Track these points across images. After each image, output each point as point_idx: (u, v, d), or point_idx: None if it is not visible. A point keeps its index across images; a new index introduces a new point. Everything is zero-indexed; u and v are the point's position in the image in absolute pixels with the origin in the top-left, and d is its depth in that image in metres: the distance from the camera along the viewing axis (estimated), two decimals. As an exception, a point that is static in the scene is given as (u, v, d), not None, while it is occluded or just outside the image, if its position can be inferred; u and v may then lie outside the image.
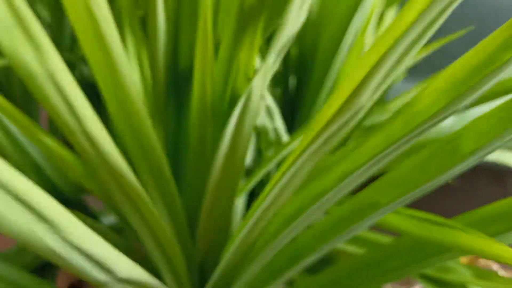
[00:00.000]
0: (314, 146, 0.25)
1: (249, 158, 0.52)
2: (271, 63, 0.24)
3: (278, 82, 0.63)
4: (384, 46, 0.20)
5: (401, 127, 0.25)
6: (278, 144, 0.43)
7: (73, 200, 0.41)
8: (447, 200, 1.05)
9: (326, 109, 0.23)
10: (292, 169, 0.26)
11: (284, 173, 0.27)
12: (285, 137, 0.43)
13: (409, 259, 0.35)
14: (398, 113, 0.26)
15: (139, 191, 0.27)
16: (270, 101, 0.40)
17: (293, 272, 0.36)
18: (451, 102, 0.23)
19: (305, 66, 0.56)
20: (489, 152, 0.28)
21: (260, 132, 0.43)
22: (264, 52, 0.38)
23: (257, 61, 0.37)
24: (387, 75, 0.21)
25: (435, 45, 0.41)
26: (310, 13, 0.55)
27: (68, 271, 0.20)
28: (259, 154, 0.55)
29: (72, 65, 0.53)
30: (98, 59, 0.22)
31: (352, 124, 0.24)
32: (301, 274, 0.44)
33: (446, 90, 0.23)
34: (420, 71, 0.53)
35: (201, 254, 0.35)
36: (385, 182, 0.31)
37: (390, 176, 0.30)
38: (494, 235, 0.34)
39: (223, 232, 0.34)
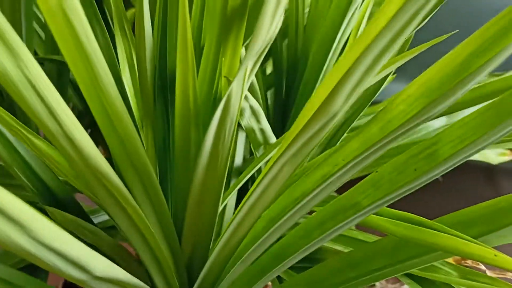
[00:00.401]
0: (291, 151, 0.25)
1: (239, 158, 0.53)
2: (250, 66, 0.25)
3: (270, 84, 0.64)
4: (355, 54, 0.20)
5: (378, 131, 0.26)
6: (267, 144, 0.43)
7: (64, 200, 0.41)
8: (438, 199, 1.05)
9: (303, 115, 0.24)
10: (272, 172, 0.27)
11: (264, 176, 0.27)
12: (273, 137, 0.43)
13: (392, 259, 0.36)
14: (375, 118, 0.26)
15: (124, 192, 0.27)
16: (254, 102, 0.40)
17: (279, 270, 0.37)
18: (425, 108, 0.24)
19: (297, 69, 0.57)
20: (468, 156, 0.29)
21: (249, 133, 0.43)
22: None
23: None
24: (359, 82, 0.22)
25: (425, 46, 0.41)
26: (302, 18, 0.56)
27: (45, 268, 0.20)
28: (250, 155, 0.56)
29: (66, 68, 0.54)
30: (78, 63, 0.23)
31: (328, 128, 0.24)
32: (289, 272, 0.45)
33: (420, 96, 0.24)
34: (411, 72, 0.54)
35: (188, 254, 0.36)
36: (366, 184, 0.31)
37: (371, 179, 0.31)
38: (477, 236, 0.34)
39: (209, 232, 0.34)
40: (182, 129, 0.30)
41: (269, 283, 0.47)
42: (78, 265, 0.22)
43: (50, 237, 0.19)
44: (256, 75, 0.53)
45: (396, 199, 0.31)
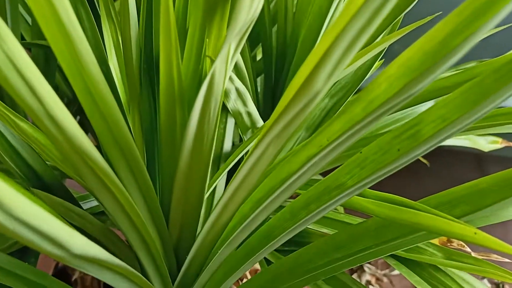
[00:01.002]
0: (275, 131, 0.25)
1: (228, 144, 0.53)
2: (233, 45, 0.25)
3: (260, 70, 0.64)
4: (333, 34, 0.20)
5: (361, 111, 0.26)
6: (254, 128, 0.43)
7: (52, 185, 0.42)
8: (427, 185, 1.06)
9: (286, 95, 0.24)
10: (256, 153, 0.27)
11: (249, 157, 0.28)
12: (260, 121, 0.44)
13: (377, 239, 0.36)
14: (358, 98, 0.26)
15: (109, 173, 0.27)
16: (239, 84, 0.40)
17: (266, 251, 0.37)
18: (406, 87, 0.24)
19: (286, 55, 0.57)
20: (450, 136, 0.29)
21: (236, 117, 0.43)
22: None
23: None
24: (340, 61, 0.22)
25: (410, 28, 0.41)
26: (291, 4, 0.56)
27: (23, 243, 0.20)
28: (240, 141, 0.56)
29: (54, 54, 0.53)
30: (59, 42, 0.23)
31: (310, 108, 0.24)
32: (277, 255, 0.45)
33: (401, 75, 0.24)
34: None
35: (175, 237, 0.36)
36: (351, 165, 0.32)
37: (356, 159, 0.31)
38: (460, 216, 0.35)
39: (196, 214, 0.35)
40: (167, 111, 0.30)
41: (257, 265, 0.48)
42: (56, 242, 0.22)
43: (26, 213, 0.19)
44: (245, 61, 0.53)
45: (380, 179, 0.31)
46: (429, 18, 0.40)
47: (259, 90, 0.65)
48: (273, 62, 0.61)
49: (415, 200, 0.35)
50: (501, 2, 0.21)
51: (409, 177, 1.08)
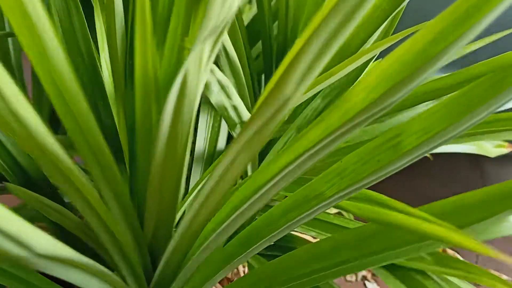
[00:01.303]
0: (244, 138, 0.24)
1: (222, 142, 0.52)
2: (208, 47, 0.24)
3: (261, 69, 0.63)
4: (302, 40, 0.19)
5: (338, 119, 0.25)
6: (242, 122, 0.42)
7: (36, 178, 0.41)
8: (426, 185, 1.03)
9: (258, 102, 0.23)
10: (228, 159, 0.26)
11: (219, 163, 0.27)
12: (247, 115, 0.42)
13: (360, 251, 0.35)
14: (335, 106, 0.25)
15: (75, 172, 0.27)
16: (221, 76, 0.39)
17: (246, 256, 0.36)
18: (383, 95, 0.23)
19: (286, 53, 0.55)
20: (434, 148, 0.28)
21: (221, 112, 0.42)
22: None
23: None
24: (310, 68, 0.21)
25: (407, 32, 0.40)
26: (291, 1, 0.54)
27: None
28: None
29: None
30: (27, 39, 0.22)
31: (282, 114, 0.23)
32: (261, 260, 0.44)
33: (378, 84, 0.23)
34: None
35: (150, 237, 0.35)
36: (331, 174, 0.30)
37: (336, 168, 0.30)
38: (468, 224, 0.33)
39: (171, 213, 0.34)
40: (142, 107, 0.29)
41: (238, 269, 0.47)
42: (18, 242, 0.21)
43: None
44: (241, 58, 0.52)
45: (361, 189, 0.30)
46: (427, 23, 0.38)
47: (262, 89, 0.64)
48: (273, 61, 0.60)
49: (411, 202, 0.33)
50: (481, 12, 0.19)
51: (403, 176, 1.05)
